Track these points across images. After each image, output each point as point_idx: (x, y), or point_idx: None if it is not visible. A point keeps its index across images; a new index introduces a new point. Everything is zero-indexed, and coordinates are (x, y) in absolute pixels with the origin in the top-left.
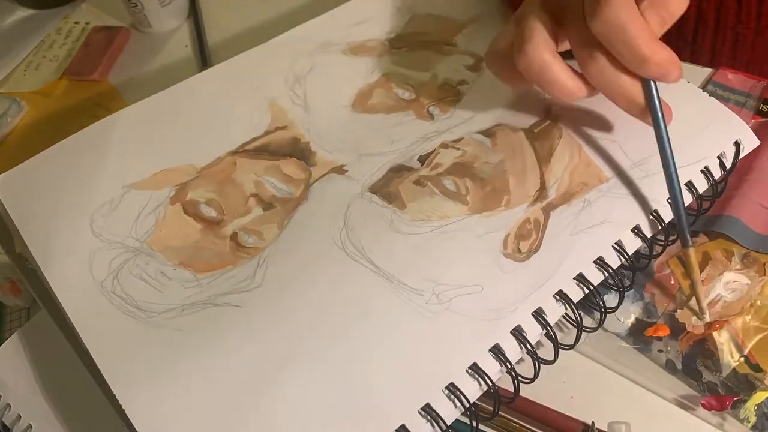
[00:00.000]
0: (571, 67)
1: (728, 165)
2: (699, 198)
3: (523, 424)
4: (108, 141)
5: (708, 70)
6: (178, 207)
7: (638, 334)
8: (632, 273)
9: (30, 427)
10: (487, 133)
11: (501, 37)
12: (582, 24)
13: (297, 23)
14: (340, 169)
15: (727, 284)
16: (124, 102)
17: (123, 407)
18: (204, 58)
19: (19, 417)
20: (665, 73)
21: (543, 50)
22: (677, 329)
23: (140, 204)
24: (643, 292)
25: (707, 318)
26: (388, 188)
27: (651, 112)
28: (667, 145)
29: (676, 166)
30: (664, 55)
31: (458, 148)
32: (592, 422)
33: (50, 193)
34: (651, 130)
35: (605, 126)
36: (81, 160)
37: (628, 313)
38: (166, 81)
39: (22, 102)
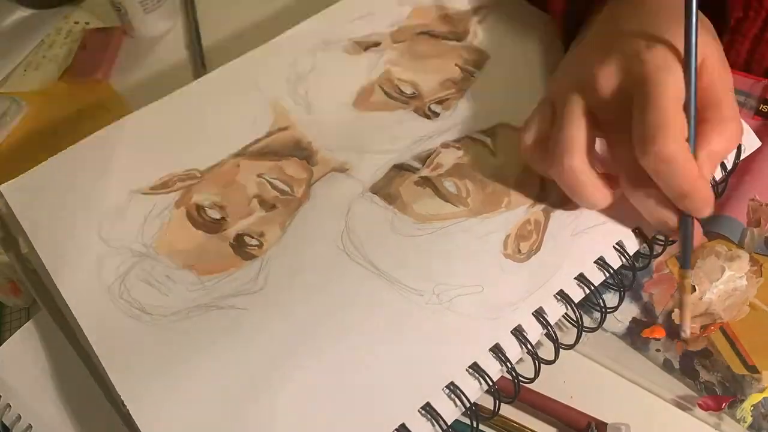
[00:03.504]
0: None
1: (729, 166)
2: None
3: (522, 424)
4: (114, 147)
5: None
6: (183, 210)
7: (636, 334)
8: (632, 273)
9: (30, 427)
10: (489, 132)
11: (534, 124)
12: (629, 148)
13: (293, 21)
14: (341, 168)
15: (725, 285)
16: (124, 102)
17: (129, 409)
18: (200, 58)
19: (19, 417)
20: (699, 209)
21: (579, 165)
22: (675, 329)
23: (146, 209)
24: (641, 292)
25: (687, 334)
26: (389, 189)
27: (680, 236)
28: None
29: None
30: (704, 193)
31: (459, 148)
32: (592, 422)
33: (58, 200)
34: None
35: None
36: (88, 166)
37: (627, 313)
38: (166, 80)
39: (22, 102)
